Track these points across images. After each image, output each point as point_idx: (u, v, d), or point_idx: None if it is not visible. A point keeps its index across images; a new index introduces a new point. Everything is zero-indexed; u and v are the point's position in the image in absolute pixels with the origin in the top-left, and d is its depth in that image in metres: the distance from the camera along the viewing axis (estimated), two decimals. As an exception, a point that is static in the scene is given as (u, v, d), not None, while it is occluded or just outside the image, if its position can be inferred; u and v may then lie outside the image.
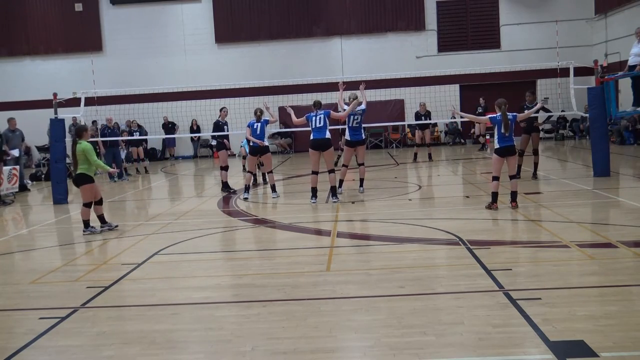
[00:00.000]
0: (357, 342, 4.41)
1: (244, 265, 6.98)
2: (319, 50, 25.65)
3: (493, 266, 6.04)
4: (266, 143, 12.02)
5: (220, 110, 13.71)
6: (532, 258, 6.59)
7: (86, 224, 9.12)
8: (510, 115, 9.33)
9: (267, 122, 12.10)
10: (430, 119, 18.71)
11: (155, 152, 26.27)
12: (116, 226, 9.36)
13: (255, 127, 11.96)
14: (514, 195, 9.32)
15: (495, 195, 9.30)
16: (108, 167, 9.68)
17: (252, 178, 12.74)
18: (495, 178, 9.31)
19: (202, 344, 4.47)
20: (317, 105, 11.03)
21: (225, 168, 13.34)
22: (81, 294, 5.85)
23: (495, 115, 9.45)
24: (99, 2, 26.18)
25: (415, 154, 18.83)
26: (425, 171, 16.34)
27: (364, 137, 11.82)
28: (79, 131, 9.18)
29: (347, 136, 11.53)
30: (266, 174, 13.28)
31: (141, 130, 19.77)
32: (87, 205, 9.12)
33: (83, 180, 9.03)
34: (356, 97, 11.62)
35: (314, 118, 10.80)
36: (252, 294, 5.64)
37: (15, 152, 15.38)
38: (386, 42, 25.53)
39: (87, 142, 9.20)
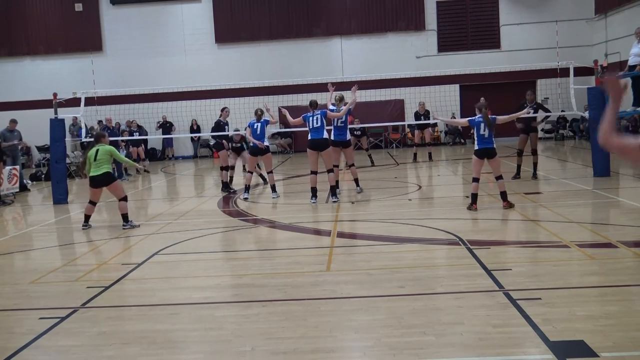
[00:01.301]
0: (357, 342, 4.41)
1: (244, 265, 6.98)
2: (319, 50, 25.64)
3: (493, 266, 6.03)
4: (266, 144, 12.03)
5: (222, 110, 13.72)
6: (532, 258, 6.59)
7: (125, 217, 9.42)
8: (490, 117, 9.33)
9: (267, 122, 12.12)
10: (429, 119, 18.70)
11: (155, 152, 26.26)
12: (89, 226, 9.59)
13: (255, 127, 11.97)
14: (503, 195, 9.33)
15: (474, 197, 9.35)
16: (135, 163, 9.92)
17: (252, 178, 12.72)
18: (475, 179, 9.37)
19: (202, 344, 4.47)
20: (314, 105, 10.97)
21: (225, 168, 13.35)
22: (81, 294, 5.85)
23: (474, 117, 9.46)
24: (99, 2, 26.17)
25: (415, 154, 18.83)
26: (425, 171, 16.34)
27: (348, 137, 11.81)
28: (99, 137, 9.72)
29: (331, 136, 11.54)
30: (266, 173, 13.27)
31: (141, 130, 19.73)
32: (124, 199, 9.46)
33: (111, 178, 9.51)
34: (342, 98, 11.67)
35: (311, 118, 10.80)
36: (252, 294, 5.64)
37: (15, 141, 15.48)
38: (386, 42, 25.52)
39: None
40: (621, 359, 3.87)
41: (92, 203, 9.58)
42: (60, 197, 12.87)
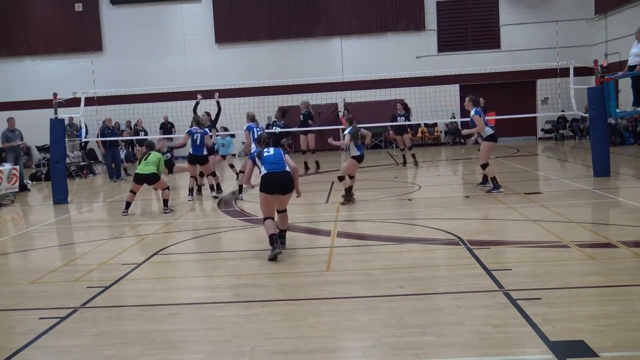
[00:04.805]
0: (357, 342, 4.41)
1: (244, 265, 6.98)
2: (319, 50, 25.64)
3: (493, 266, 6.03)
4: (205, 154, 12.27)
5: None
6: (532, 258, 6.58)
7: (166, 202, 10.91)
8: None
9: (206, 132, 12.14)
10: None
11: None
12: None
13: (195, 137, 11.95)
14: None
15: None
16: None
17: (195, 182, 12.71)
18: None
19: (202, 344, 4.47)
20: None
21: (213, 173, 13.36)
22: (81, 294, 5.85)
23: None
24: (99, 2, 26.18)
25: (305, 163, 16.26)
26: (425, 171, 16.34)
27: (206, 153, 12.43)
28: (152, 145, 11.20)
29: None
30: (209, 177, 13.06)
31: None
32: (167, 189, 11.03)
33: (156, 178, 10.87)
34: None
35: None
36: (252, 294, 5.64)
37: (17, 142, 15.51)
38: (386, 42, 25.53)
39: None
40: (621, 359, 3.87)
41: (133, 192, 10.88)
42: (60, 197, 12.87)
